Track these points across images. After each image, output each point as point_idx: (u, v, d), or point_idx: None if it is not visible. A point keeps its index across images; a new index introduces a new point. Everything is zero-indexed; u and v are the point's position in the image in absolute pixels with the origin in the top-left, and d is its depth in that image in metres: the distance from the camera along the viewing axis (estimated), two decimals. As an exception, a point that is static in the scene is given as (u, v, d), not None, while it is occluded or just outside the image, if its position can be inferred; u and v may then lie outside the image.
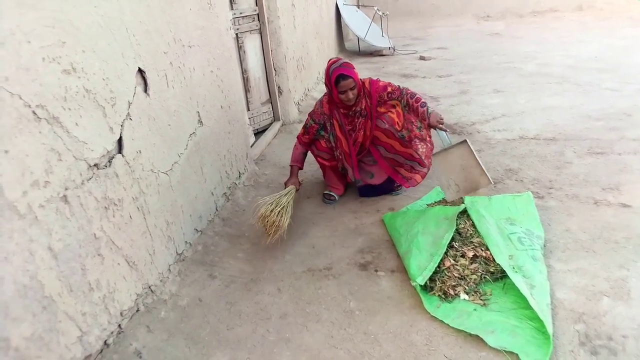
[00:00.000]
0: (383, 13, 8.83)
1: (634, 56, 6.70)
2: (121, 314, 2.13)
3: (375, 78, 3.19)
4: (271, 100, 4.96)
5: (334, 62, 3.05)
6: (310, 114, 3.28)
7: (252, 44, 4.56)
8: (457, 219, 2.57)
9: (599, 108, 4.74)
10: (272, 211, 2.78)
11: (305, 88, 5.84)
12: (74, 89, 1.87)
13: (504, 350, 1.95)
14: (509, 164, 3.67)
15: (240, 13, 4.31)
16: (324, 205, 3.34)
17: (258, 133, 4.67)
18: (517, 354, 1.91)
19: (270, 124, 4.93)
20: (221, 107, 3.28)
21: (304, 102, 5.66)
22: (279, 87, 5.01)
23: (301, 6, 5.81)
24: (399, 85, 3.14)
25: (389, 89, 3.12)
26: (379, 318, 2.23)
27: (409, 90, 3.12)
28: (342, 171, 3.38)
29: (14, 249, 1.59)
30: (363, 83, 3.11)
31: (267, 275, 2.61)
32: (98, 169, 2.00)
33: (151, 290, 2.36)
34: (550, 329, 1.94)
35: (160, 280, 2.44)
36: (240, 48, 4.34)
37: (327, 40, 7.49)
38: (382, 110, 3.12)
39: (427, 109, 3.02)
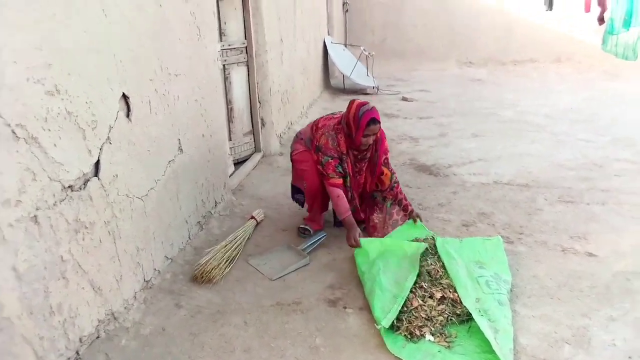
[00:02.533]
0: (369, 53, 9.06)
1: (608, 109, 6.95)
2: (80, 340, 2.09)
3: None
4: (253, 131, 5.01)
5: (362, 104, 3.00)
6: (321, 152, 3.06)
7: (238, 75, 4.63)
8: (427, 259, 2.63)
9: (572, 157, 4.89)
10: (208, 262, 2.84)
11: (288, 121, 5.91)
12: (55, 110, 1.90)
13: None
14: (482, 208, 3.74)
15: (229, 45, 4.40)
16: (298, 238, 3.36)
17: (238, 163, 4.70)
18: None
19: (251, 154, 4.97)
20: (203, 135, 3.31)
21: (286, 135, 5.72)
22: (262, 119, 5.07)
23: (289, 41, 5.94)
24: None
25: (388, 155, 3.29)
26: (345, 356, 2.23)
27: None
28: (353, 210, 3.17)
29: (-23, 267, 1.58)
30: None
31: (235, 307, 2.59)
32: (72, 190, 2.01)
33: (114, 317, 2.32)
34: None
35: (125, 307, 2.41)
36: (226, 79, 4.41)
37: (313, 76, 7.63)
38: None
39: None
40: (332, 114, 3.32)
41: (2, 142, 1.65)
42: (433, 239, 2.89)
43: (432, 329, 2.30)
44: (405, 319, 2.34)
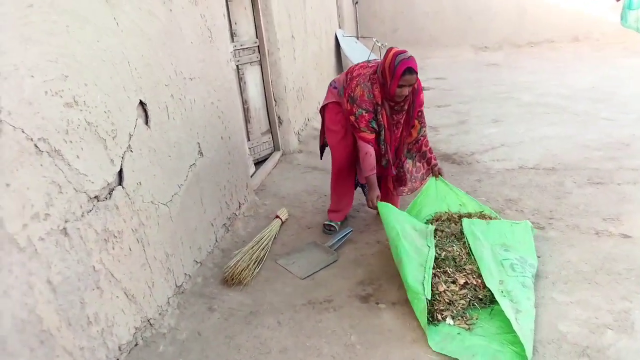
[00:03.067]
0: (382, 44, 8.97)
1: (629, 86, 6.77)
2: (119, 348, 2.10)
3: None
4: (271, 130, 5.00)
5: (400, 52, 2.82)
6: (356, 104, 2.93)
7: (252, 75, 4.62)
8: (452, 245, 2.67)
9: (596, 138, 4.77)
10: (237, 264, 2.84)
11: (305, 118, 5.89)
12: (75, 122, 1.89)
13: None
14: (509, 194, 3.67)
15: (241, 45, 4.38)
16: (324, 235, 3.33)
17: (258, 163, 4.69)
18: None
19: (271, 153, 4.96)
20: (221, 137, 3.30)
21: (304, 132, 5.70)
22: (279, 117, 5.05)
23: (301, 38, 5.91)
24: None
25: (423, 109, 3.13)
26: (380, 352, 2.20)
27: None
28: (384, 165, 3.13)
29: (13, 282, 1.58)
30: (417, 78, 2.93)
31: (267, 308, 2.58)
32: (98, 201, 2.01)
33: (150, 324, 2.33)
34: (529, 353, 1.99)
35: (159, 314, 2.41)
36: (240, 79, 4.39)
37: (327, 70, 7.58)
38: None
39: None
40: (367, 61, 3.16)
41: (25, 157, 1.65)
42: (458, 218, 2.93)
43: (454, 312, 2.32)
44: (428, 302, 2.31)
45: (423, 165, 3.29)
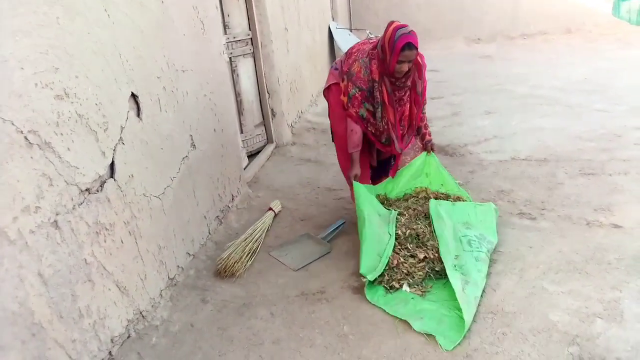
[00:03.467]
0: (375, 36, 8.95)
1: (622, 78, 6.80)
2: (112, 340, 2.11)
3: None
4: (264, 122, 4.99)
5: (401, 26, 2.72)
6: (351, 81, 2.91)
7: (245, 67, 4.60)
8: (418, 222, 2.85)
9: (589, 129, 4.79)
10: (230, 257, 2.84)
11: (298, 110, 5.88)
12: (66, 114, 1.88)
13: (426, 334, 2.20)
14: (501, 185, 3.69)
15: (234, 37, 4.36)
16: (316, 227, 3.33)
17: (251, 155, 4.68)
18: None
19: (264, 146, 4.95)
20: (214, 130, 3.29)
21: (298, 124, 5.69)
22: (272, 110, 5.04)
23: (294, 30, 5.88)
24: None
25: (426, 85, 3.02)
26: (373, 342, 2.22)
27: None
28: (385, 142, 3.09)
29: (3, 275, 1.58)
30: (417, 54, 2.83)
31: (260, 300, 2.59)
32: (90, 193, 2.00)
33: (142, 316, 2.33)
34: (468, 316, 2.19)
35: (152, 306, 2.42)
36: (233, 72, 4.38)
37: (321, 63, 7.56)
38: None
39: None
40: (369, 38, 3.09)
41: (16, 149, 1.64)
42: (434, 197, 3.05)
43: (410, 281, 2.55)
44: (387, 274, 2.58)
45: (417, 141, 3.28)
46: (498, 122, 5.36)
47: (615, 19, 7.18)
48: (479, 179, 3.85)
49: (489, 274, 2.61)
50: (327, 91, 3.20)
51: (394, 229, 2.77)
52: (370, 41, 2.99)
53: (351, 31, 9.92)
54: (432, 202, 2.93)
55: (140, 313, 2.32)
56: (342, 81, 2.98)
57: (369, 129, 3.02)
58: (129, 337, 2.23)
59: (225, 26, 4.22)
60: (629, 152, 4.07)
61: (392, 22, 2.79)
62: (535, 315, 2.27)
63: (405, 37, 2.67)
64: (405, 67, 2.74)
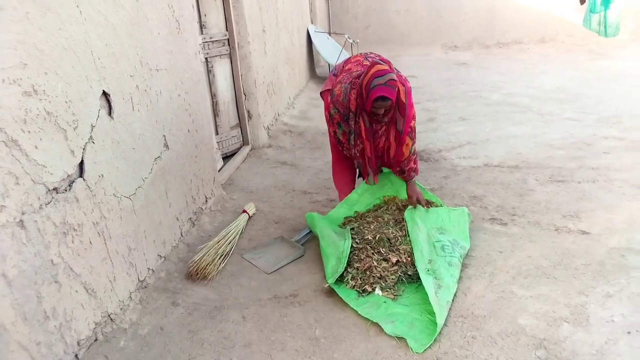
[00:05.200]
0: (353, 41, 9.00)
1: (593, 87, 6.97)
2: (78, 343, 2.06)
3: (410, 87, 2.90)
4: (240, 124, 4.96)
5: (380, 73, 2.66)
6: (332, 101, 2.93)
7: (221, 68, 4.57)
8: (389, 228, 2.88)
9: (560, 137, 4.89)
10: (202, 259, 2.82)
11: (275, 113, 5.86)
12: (34, 112, 1.84)
13: (397, 337, 2.22)
14: (474, 191, 3.74)
15: (210, 38, 4.33)
16: (290, 230, 3.32)
17: (226, 157, 4.65)
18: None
19: (239, 148, 4.92)
20: (188, 130, 3.26)
21: (274, 127, 5.67)
22: (248, 112, 5.02)
23: (272, 32, 5.87)
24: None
25: (413, 124, 2.95)
26: (345, 346, 2.22)
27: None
28: (356, 167, 3.18)
29: (-37, 276, 1.53)
30: (398, 94, 2.77)
31: (232, 303, 2.57)
32: (57, 193, 1.96)
33: (110, 319, 2.28)
34: (440, 320, 2.22)
35: (121, 308, 2.37)
36: (209, 72, 4.34)
37: (299, 66, 7.57)
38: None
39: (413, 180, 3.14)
40: (366, 56, 3.09)
41: (-19, 146, 1.60)
42: (402, 206, 3.10)
43: (383, 284, 2.57)
44: (360, 278, 2.61)
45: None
46: (472, 128, 5.44)
47: (588, 31, 7.37)
48: (452, 185, 3.89)
49: (460, 278, 2.64)
50: (323, 94, 3.26)
51: (349, 234, 2.82)
52: (364, 63, 2.99)
53: (330, 35, 9.96)
54: (408, 210, 2.94)
55: (109, 316, 2.28)
56: (332, 88, 3.01)
57: (344, 152, 3.10)
58: (96, 340, 2.18)
59: (201, 26, 4.19)
60: (598, 161, 4.17)
61: (373, 65, 2.74)
62: (504, 319, 2.30)
63: (379, 89, 2.64)
64: (380, 111, 2.77)
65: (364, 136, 2.91)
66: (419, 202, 3.03)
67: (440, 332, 2.22)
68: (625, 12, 7.18)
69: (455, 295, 2.49)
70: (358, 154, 3.04)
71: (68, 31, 2.03)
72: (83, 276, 2.10)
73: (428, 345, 2.15)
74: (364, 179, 3.29)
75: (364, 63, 2.99)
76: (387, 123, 2.93)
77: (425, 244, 2.72)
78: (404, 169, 3.06)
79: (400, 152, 2.98)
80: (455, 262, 2.66)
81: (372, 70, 2.70)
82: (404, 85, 2.83)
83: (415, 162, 3.09)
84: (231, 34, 4.67)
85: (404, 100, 2.82)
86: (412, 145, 2.99)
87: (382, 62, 2.81)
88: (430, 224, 2.91)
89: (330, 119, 3.00)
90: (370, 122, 2.90)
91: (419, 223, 2.83)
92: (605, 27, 7.01)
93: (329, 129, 3.22)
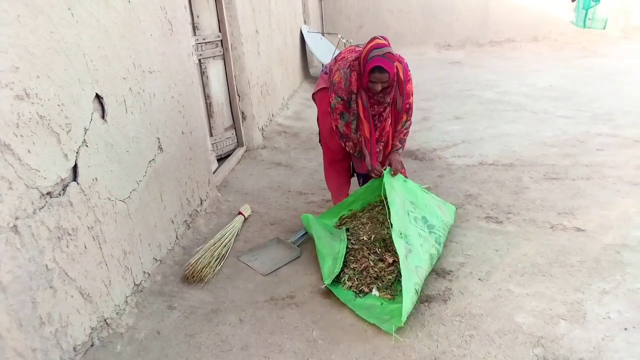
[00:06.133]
0: (347, 40, 9.01)
1: (586, 85, 7.00)
2: (74, 349, 2.04)
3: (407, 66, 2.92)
4: (235, 125, 4.95)
5: (377, 45, 2.69)
6: (333, 90, 2.90)
7: (215, 69, 4.55)
8: (385, 228, 2.88)
9: (553, 135, 4.91)
10: (198, 262, 2.81)
11: (269, 114, 5.85)
12: (27, 115, 1.82)
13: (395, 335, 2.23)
14: (469, 190, 3.74)
15: (203, 39, 4.32)
16: (286, 231, 3.32)
17: (221, 159, 4.63)
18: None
19: (234, 149, 4.91)
20: (182, 133, 3.24)
21: (269, 128, 5.66)
22: (242, 113, 5.01)
23: (265, 33, 5.86)
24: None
25: (411, 100, 2.97)
26: (342, 347, 2.21)
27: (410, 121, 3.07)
28: (357, 156, 3.09)
29: (-43, 283, 1.52)
30: (397, 72, 2.79)
31: (229, 305, 2.56)
32: (51, 197, 1.94)
33: (107, 324, 2.27)
34: (407, 284, 2.30)
35: (117, 313, 2.35)
36: (203, 73, 4.33)
37: (292, 66, 7.56)
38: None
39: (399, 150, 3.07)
40: (357, 45, 3.06)
41: (-27, 151, 1.58)
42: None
43: (380, 285, 2.57)
44: (357, 278, 2.62)
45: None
46: (466, 127, 5.45)
47: (580, 29, 7.42)
48: (447, 183, 3.90)
49: (456, 277, 2.64)
50: (315, 95, 3.21)
51: (345, 235, 2.85)
52: (357, 49, 2.95)
53: (323, 35, 9.96)
54: (387, 175, 2.88)
55: (105, 320, 2.26)
56: (330, 88, 2.97)
57: (347, 143, 3.04)
58: (92, 345, 2.16)
59: (194, 27, 4.18)
60: (592, 158, 4.19)
61: (373, 38, 2.76)
62: (501, 317, 2.31)
63: (376, 59, 2.64)
64: (377, 87, 2.73)
65: (362, 116, 2.87)
66: (398, 171, 2.99)
67: (436, 332, 2.21)
68: (617, 9, 7.24)
69: (435, 272, 2.66)
70: (361, 139, 2.97)
71: (60, 34, 2.02)
72: (78, 281, 2.08)
73: (403, 319, 2.19)
74: (358, 181, 3.28)
75: (357, 49, 2.96)
76: (389, 104, 2.91)
77: (401, 210, 2.73)
78: (391, 142, 3.08)
79: (395, 131, 3.05)
80: (424, 234, 2.72)
81: (371, 44, 2.72)
82: (401, 62, 2.84)
83: (405, 135, 3.09)
84: (224, 35, 4.66)
85: (403, 78, 2.84)
86: (405, 120, 3.03)
87: (380, 38, 2.79)
88: (406, 194, 2.92)
89: (332, 111, 2.94)
90: (370, 103, 2.86)
91: (396, 189, 2.83)
92: (593, 21, 7.06)
93: (321, 130, 3.21)
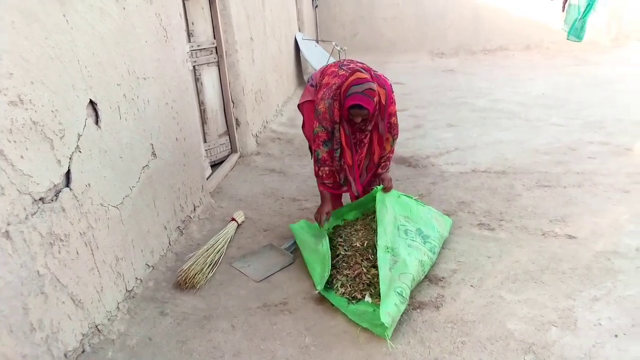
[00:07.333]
0: (341, 48, 9.05)
1: (578, 93, 7.06)
2: (65, 355, 2.03)
3: (391, 86, 2.96)
4: (229, 132, 4.95)
5: (356, 82, 2.69)
6: (317, 119, 2.91)
7: (209, 76, 4.56)
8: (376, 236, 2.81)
9: (546, 142, 4.94)
10: (191, 268, 2.80)
11: (263, 120, 5.86)
12: (20, 121, 1.82)
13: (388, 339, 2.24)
14: (462, 197, 3.76)
15: (198, 46, 4.33)
16: (279, 238, 3.32)
17: (215, 165, 4.63)
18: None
19: (228, 155, 4.91)
20: (176, 139, 3.25)
21: (263, 134, 5.67)
22: (236, 119, 5.02)
23: (260, 40, 5.88)
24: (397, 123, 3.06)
25: (394, 121, 3.00)
26: (335, 353, 2.21)
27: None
28: (342, 183, 3.08)
29: (-53, 288, 1.51)
30: (379, 101, 2.79)
31: (221, 312, 2.55)
32: (44, 203, 1.94)
33: (98, 330, 2.26)
34: (385, 288, 2.34)
35: (108, 319, 2.35)
36: (197, 80, 4.34)
37: (287, 73, 7.58)
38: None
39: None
40: (340, 66, 3.03)
41: (-34, 156, 1.58)
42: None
43: (372, 291, 2.56)
44: (350, 285, 2.63)
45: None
46: (459, 134, 5.48)
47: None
48: (440, 190, 3.91)
49: (449, 284, 2.65)
50: (301, 106, 3.23)
51: (326, 234, 2.88)
52: (340, 73, 2.95)
53: (317, 43, 9.99)
54: (379, 193, 2.90)
55: (96, 327, 2.25)
56: (315, 105, 2.96)
57: (323, 169, 3.00)
58: (83, 351, 2.16)
59: (189, 34, 4.19)
60: (583, 166, 4.23)
61: (354, 72, 2.76)
62: (493, 324, 2.32)
63: (355, 97, 2.65)
64: (357, 119, 2.76)
65: (344, 144, 2.90)
66: (391, 188, 3.02)
67: (428, 338, 2.21)
68: (609, 18, 7.29)
69: (430, 280, 2.69)
70: (345, 166, 3.00)
71: (54, 40, 2.02)
72: (70, 287, 2.07)
73: (383, 319, 2.19)
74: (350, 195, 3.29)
75: (340, 73, 2.96)
76: (370, 131, 2.94)
77: (390, 226, 2.74)
78: (381, 163, 3.11)
79: (382, 148, 3.04)
80: (415, 244, 2.73)
81: (352, 78, 2.73)
82: (384, 87, 2.86)
83: (392, 152, 3.14)
84: (219, 42, 4.68)
85: (385, 103, 2.85)
86: (391, 139, 3.06)
87: (362, 70, 2.80)
88: (399, 210, 2.93)
89: (314, 137, 2.95)
90: (351, 131, 2.90)
91: (387, 206, 2.85)
92: (582, 31, 7.16)
93: (307, 138, 3.25)
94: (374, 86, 2.71)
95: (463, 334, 2.27)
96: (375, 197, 2.92)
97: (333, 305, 2.54)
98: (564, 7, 6.80)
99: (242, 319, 2.49)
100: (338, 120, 2.86)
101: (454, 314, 2.42)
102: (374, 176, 3.17)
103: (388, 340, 2.21)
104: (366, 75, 2.73)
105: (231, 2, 4.71)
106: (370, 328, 2.30)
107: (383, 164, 3.12)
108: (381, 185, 2.97)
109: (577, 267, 2.72)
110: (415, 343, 2.25)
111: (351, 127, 2.88)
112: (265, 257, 3.05)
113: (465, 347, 2.19)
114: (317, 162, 3.00)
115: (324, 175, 3.01)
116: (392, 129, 3.03)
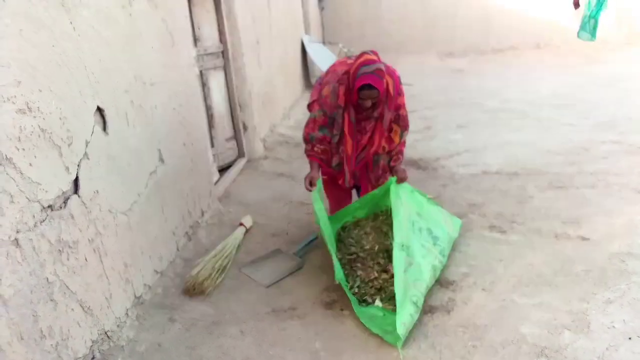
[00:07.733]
0: (348, 50, 9.04)
1: (589, 92, 6.99)
2: (75, 362, 2.03)
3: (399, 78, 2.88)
4: (236, 136, 4.95)
5: (366, 62, 2.63)
6: (319, 102, 2.85)
7: (216, 80, 4.57)
8: (389, 239, 2.82)
9: (558, 143, 4.89)
10: (199, 274, 2.80)
11: (271, 124, 5.86)
12: (28, 129, 1.83)
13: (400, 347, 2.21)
14: (473, 199, 3.72)
15: (205, 50, 4.33)
16: (288, 242, 3.30)
17: (222, 170, 4.63)
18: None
19: (235, 160, 4.91)
20: (184, 144, 3.25)
21: (270, 138, 5.67)
22: (243, 123, 5.01)
23: (266, 43, 5.89)
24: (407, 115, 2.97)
25: (403, 112, 2.91)
26: (345, 358, 2.20)
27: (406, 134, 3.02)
28: (335, 167, 2.99)
29: (-43, 297, 1.51)
30: (387, 88, 2.72)
31: (230, 317, 2.54)
32: (52, 210, 1.94)
33: (107, 336, 2.26)
34: (400, 296, 2.30)
35: (117, 326, 2.35)
36: (204, 85, 4.34)
37: (293, 76, 7.58)
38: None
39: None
40: (349, 57, 2.97)
41: (-26, 165, 1.59)
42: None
43: (382, 296, 2.55)
44: (362, 287, 2.62)
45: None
46: (470, 136, 5.44)
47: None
48: (451, 193, 3.88)
49: (460, 287, 2.62)
50: (310, 106, 3.18)
51: (334, 245, 2.82)
52: (348, 62, 2.90)
53: (324, 44, 9.99)
54: (393, 185, 2.82)
55: (105, 333, 2.25)
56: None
57: (311, 146, 2.93)
58: (93, 358, 2.15)
59: (195, 39, 4.19)
60: (596, 166, 4.17)
61: (362, 55, 2.71)
62: (506, 327, 2.29)
63: (365, 77, 2.58)
64: (367, 103, 2.68)
65: (347, 132, 2.82)
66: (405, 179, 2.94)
67: (440, 343, 2.19)
68: (620, 16, 7.21)
69: (440, 282, 2.66)
70: (343, 155, 2.92)
71: (61, 47, 2.03)
72: (79, 294, 2.07)
73: (398, 330, 2.18)
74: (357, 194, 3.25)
75: (349, 62, 2.90)
76: (375, 119, 2.86)
77: (405, 221, 2.69)
78: (393, 155, 3.01)
79: (390, 141, 2.96)
80: (428, 245, 2.71)
81: (360, 60, 2.66)
82: (392, 76, 2.79)
83: (402, 145, 3.04)
84: (225, 46, 4.68)
85: (393, 93, 2.78)
86: (400, 131, 2.96)
87: (370, 53, 2.74)
88: (412, 205, 2.88)
89: (309, 121, 2.88)
90: (356, 118, 2.81)
91: (402, 198, 2.79)
92: (595, 29, 7.06)
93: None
94: (383, 67, 2.66)
95: (474, 339, 2.24)
96: (387, 191, 2.86)
97: (342, 310, 2.52)
98: (576, 4, 6.70)
99: (251, 324, 2.47)
100: (342, 105, 2.78)
101: (465, 318, 2.39)
102: (369, 171, 3.05)
103: (400, 350, 2.18)
104: (374, 57, 2.68)
105: (236, 5, 4.72)
106: (381, 335, 2.28)
107: (395, 157, 3.01)
108: (395, 177, 2.88)
109: (591, 270, 2.67)
110: (426, 348, 2.22)
111: (357, 114, 2.80)
112: (274, 262, 3.04)
113: (477, 352, 2.16)
114: (311, 140, 2.89)
115: (319, 150, 2.91)
116: (401, 121, 2.94)
